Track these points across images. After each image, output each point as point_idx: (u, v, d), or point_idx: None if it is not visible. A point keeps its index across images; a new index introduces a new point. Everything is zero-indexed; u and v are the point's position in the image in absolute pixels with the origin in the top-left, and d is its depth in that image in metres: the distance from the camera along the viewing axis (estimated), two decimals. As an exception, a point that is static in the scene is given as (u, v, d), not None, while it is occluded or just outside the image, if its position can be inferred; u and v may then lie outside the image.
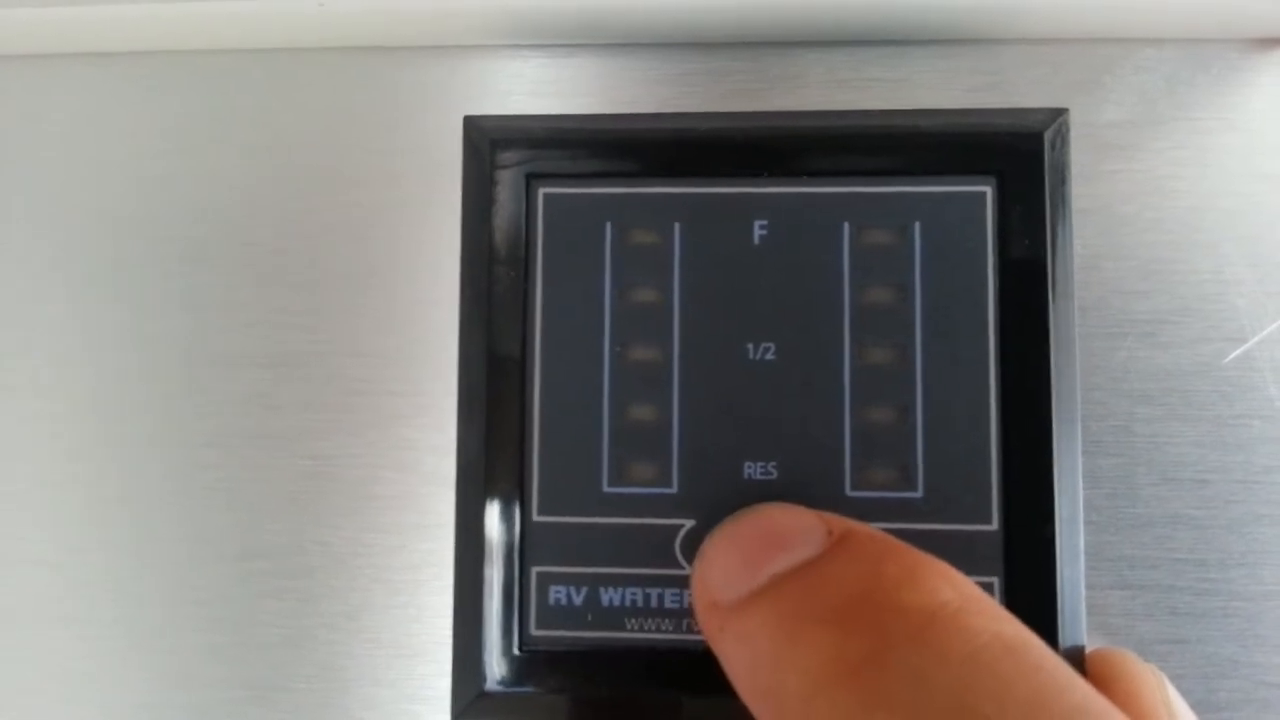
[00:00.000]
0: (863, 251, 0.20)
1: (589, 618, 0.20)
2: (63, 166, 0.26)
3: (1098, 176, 0.24)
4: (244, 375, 0.25)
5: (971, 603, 0.15)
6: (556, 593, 0.20)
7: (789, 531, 0.17)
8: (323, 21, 0.25)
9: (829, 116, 0.22)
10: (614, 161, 0.21)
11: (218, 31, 0.25)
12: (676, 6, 0.23)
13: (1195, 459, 0.23)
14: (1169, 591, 0.23)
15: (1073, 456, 0.19)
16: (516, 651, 0.20)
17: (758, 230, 0.20)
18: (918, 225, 0.20)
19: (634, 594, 0.20)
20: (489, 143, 0.21)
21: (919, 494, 0.20)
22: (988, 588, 0.19)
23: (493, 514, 0.20)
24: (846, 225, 0.20)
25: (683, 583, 0.20)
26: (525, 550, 0.20)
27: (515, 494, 0.20)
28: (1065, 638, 0.19)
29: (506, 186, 0.21)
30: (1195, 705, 0.18)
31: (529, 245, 0.20)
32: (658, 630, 0.20)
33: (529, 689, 0.20)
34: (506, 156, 0.21)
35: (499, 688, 0.20)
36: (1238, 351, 0.24)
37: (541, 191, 0.21)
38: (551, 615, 0.20)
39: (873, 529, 0.17)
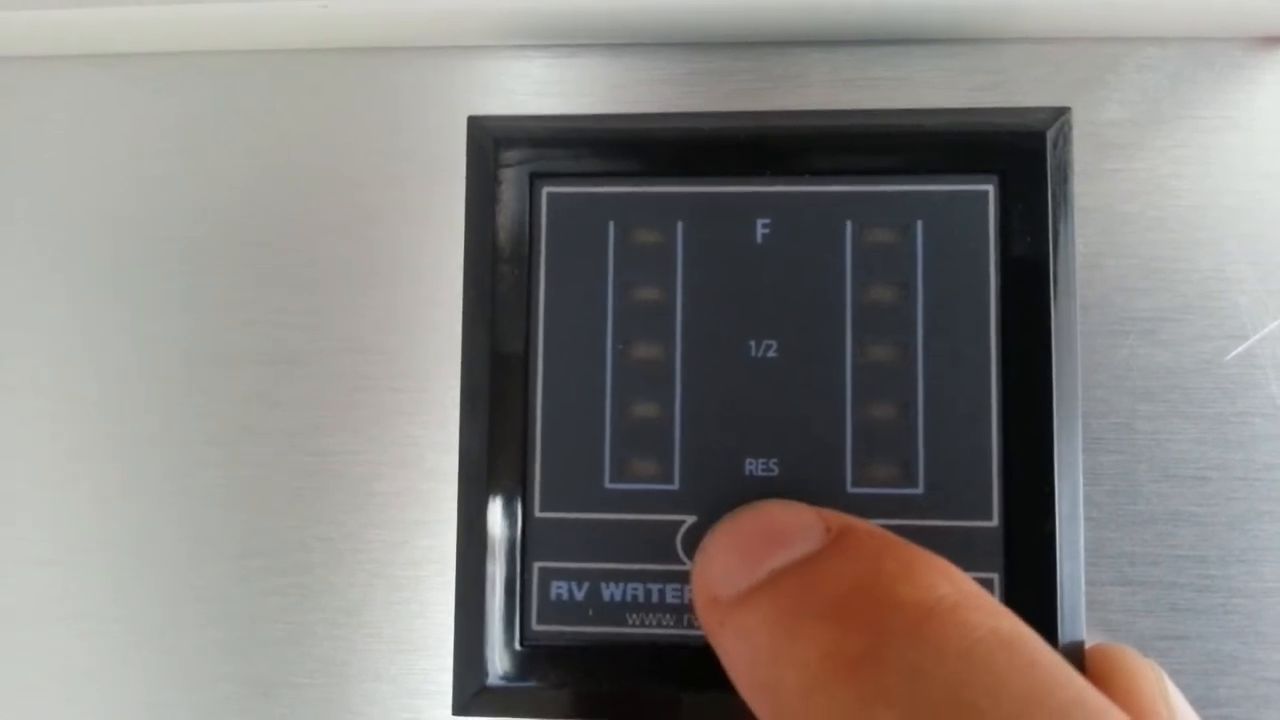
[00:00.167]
0: (865, 250, 0.20)
1: (590, 613, 0.20)
2: (64, 167, 0.26)
3: (1100, 175, 0.24)
4: (245, 373, 0.25)
5: (968, 598, 0.15)
6: (558, 588, 0.20)
7: (788, 528, 0.17)
8: (325, 22, 0.25)
9: (831, 116, 0.22)
10: (617, 161, 0.21)
11: (220, 33, 0.25)
12: (680, 7, 0.24)
13: (1196, 456, 0.23)
14: (1169, 588, 0.23)
15: (1073, 453, 0.19)
16: (518, 646, 0.20)
17: (760, 229, 0.20)
18: (920, 224, 0.20)
19: (635, 589, 0.20)
20: (493, 142, 0.21)
21: (920, 490, 0.20)
22: (988, 584, 0.19)
23: (495, 510, 0.20)
24: (849, 224, 0.20)
25: (684, 578, 0.20)
26: (527, 546, 0.20)
27: (517, 490, 0.20)
28: (1065, 633, 0.19)
29: (510, 186, 0.21)
30: (1195, 702, 0.18)
31: (532, 244, 0.21)
32: (659, 625, 0.20)
33: (530, 684, 0.20)
34: (510, 156, 0.21)
35: (500, 682, 0.20)
36: (1239, 349, 0.24)
37: (545, 191, 0.21)
38: (553, 610, 0.20)
39: (871, 525, 0.17)
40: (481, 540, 0.20)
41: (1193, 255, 0.24)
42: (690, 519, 0.20)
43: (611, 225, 0.20)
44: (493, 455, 0.20)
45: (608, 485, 0.20)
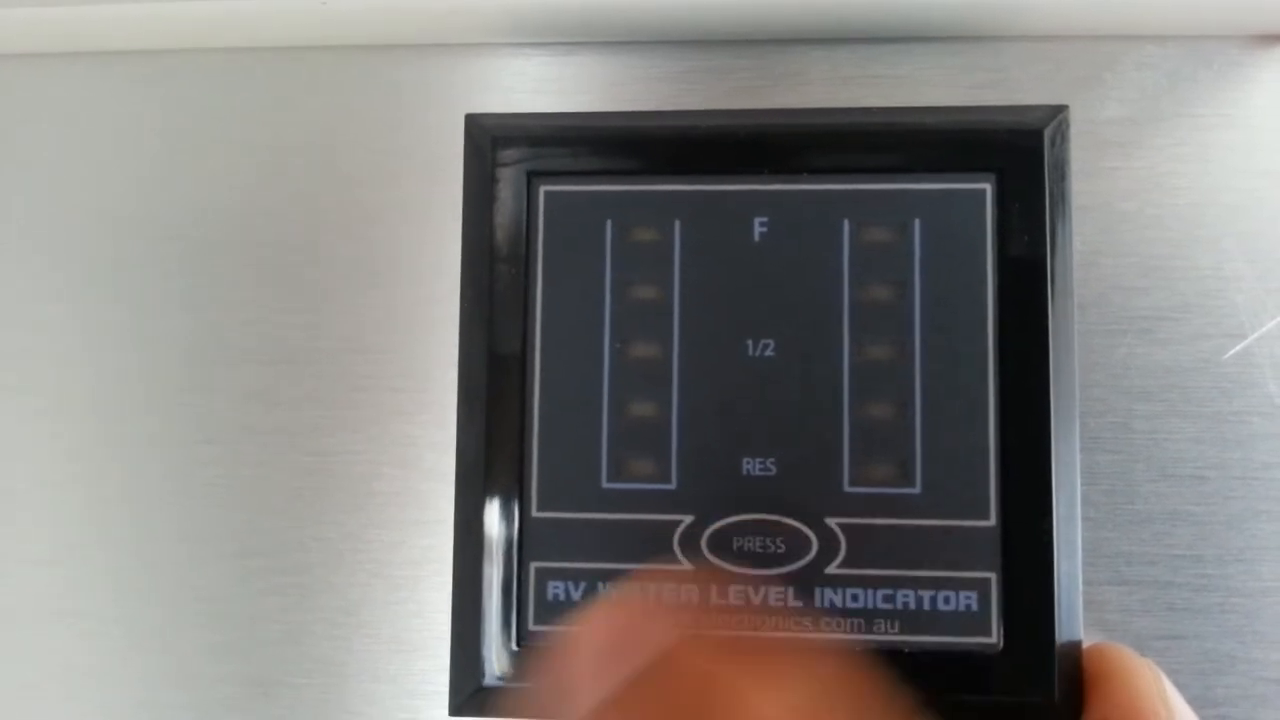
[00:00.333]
0: (862, 248, 0.20)
1: (588, 613, 0.20)
2: (63, 165, 0.26)
3: (1098, 173, 0.24)
4: (245, 372, 0.25)
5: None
6: (555, 588, 0.20)
7: (620, 642, 0.15)
8: (325, 20, 0.25)
9: (829, 114, 0.22)
10: (615, 159, 0.21)
11: (220, 30, 0.25)
12: (679, 4, 0.23)
13: (1194, 455, 0.23)
14: (1167, 587, 0.23)
15: (1071, 452, 0.19)
16: (514, 646, 0.20)
17: (758, 227, 0.20)
18: (917, 222, 0.20)
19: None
20: (490, 140, 0.21)
21: (917, 490, 0.20)
22: (985, 583, 0.19)
23: (492, 509, 0.20)
24: (846, 222, 0.20)
25: (681, 578, 0.20)
26: (524, 545, 0.20)
27: (514, 489, 0.20)
28: (1062, 633, 0.19)
29: (508, 184, 0.21)
30: (1192, 701, 0.18)
31: (530, 242, 0.21)
32: (656, 625, 0.20)
33: (527, 684, 0.20)
34: (508, 154, 0.21)
35: (497, 682, 0.20)
36: (1237, 348, 0.24)
37: (542, 189, 0.21)
38: (550, 610, 0.20)
39: (710, 634, 0.15)
40: (478, 540, 0.20)
41: (1191, 254, 0.24)
42: (688, 518, 0.20)
43: (609, 224, 0.20)
44: (490, 455, 0.20)
45: (605, 485, 0.20)
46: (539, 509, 0.20)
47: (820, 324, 0.20)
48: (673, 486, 0.20)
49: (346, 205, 0.25)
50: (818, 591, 0.19)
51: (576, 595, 0.20)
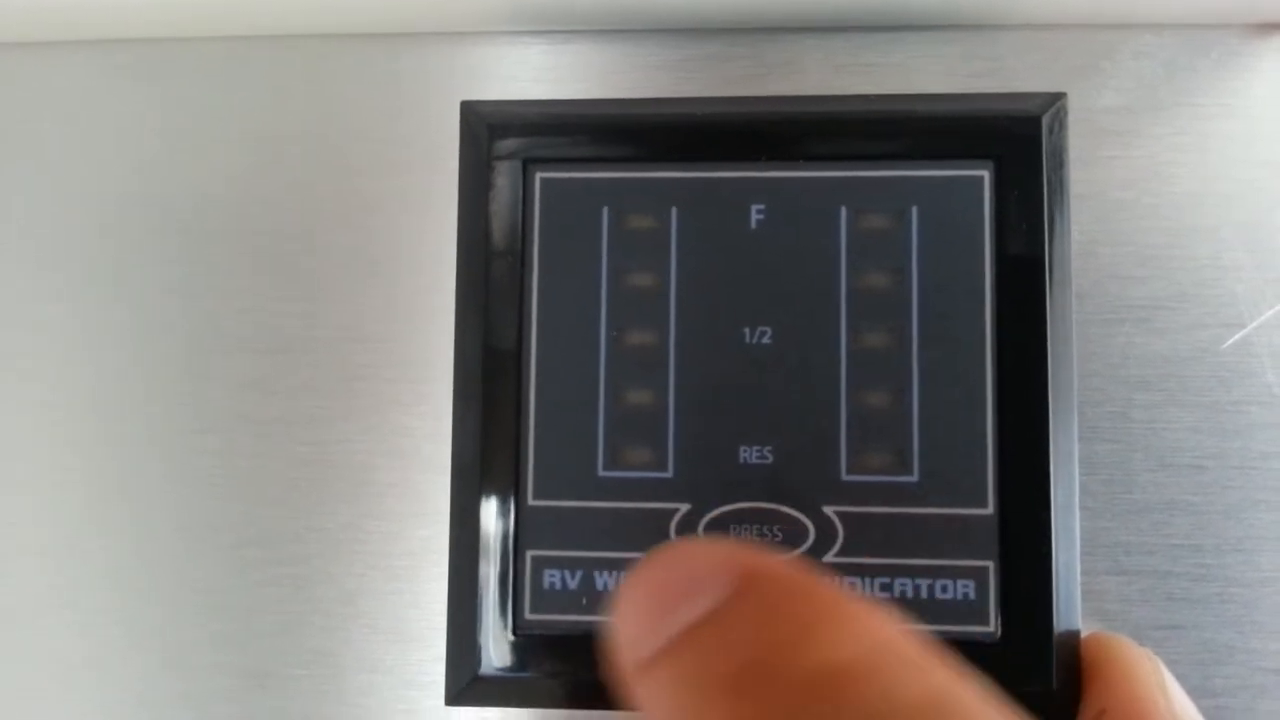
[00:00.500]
0: (860, 236, 0.20)
1: (584, 601, 0.20)
2: (61, 154, 0.26)
3: (1095, 162, 0.24)
4: (242, 362, 0.25)
5: (889, 655, 0.13)
6: (551, 577, 0.20)
7: (693, 576, 0.15)
8: (322, 8, 0.25)
9: (826, 101, 0.22)
10: (611, 146, 0.21)
11: (217, 19, 0.25)
12: (674, -8, 0.23)
13: (1192, 445, 0.23)
14: (1165, 577, 0.23)
15: (1069, 441, 0.19)
16: (511, 636, 0.20)
17: (755, 215, 0.20)
18: (915, 209, 0.20)
19: (629, 578, 0.20)
20: (486, 128, 0.21)
21: (915, 478, 0.19)
22: (983, 572, 0.19)
23: (488, 498, 0.20)
24: (843, 209, 0.20)
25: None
26: (520, 534, 0.20)
27: (510, 478, 0.20)
28: (1061, 622, 0.19)
29: (504, 171, 0.21)
30: (1191, 691, 0.18)
31: (526, 230, 0.20)
32: (653, 614, 0.20)
33: (524, 673, 0.20)
34: (504, 142, 0.21)
35: (494, 672, 0.20)
36: (1235, 337, 0.23)
37: (538, 176, 0.21)
38: (546, 599, 0.20)
39: (782, 567, 0.15)
40: (474, 529, 0.20)
41: (1189, 243, 0.24)
42: (684, 507, 0.20)
43: (605, 211, 0.20)
44: (486, 443, 0.20)
45: (601, 473, 0.20)
46: (535, 497, 0.20)
47: (817, 312, 0.20)
48: (669, 475, 0.20)
49: (343, 194, 0.25)
50: (815, 580, 0.19)
51: (573, 584, 0.20)
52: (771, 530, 0.19)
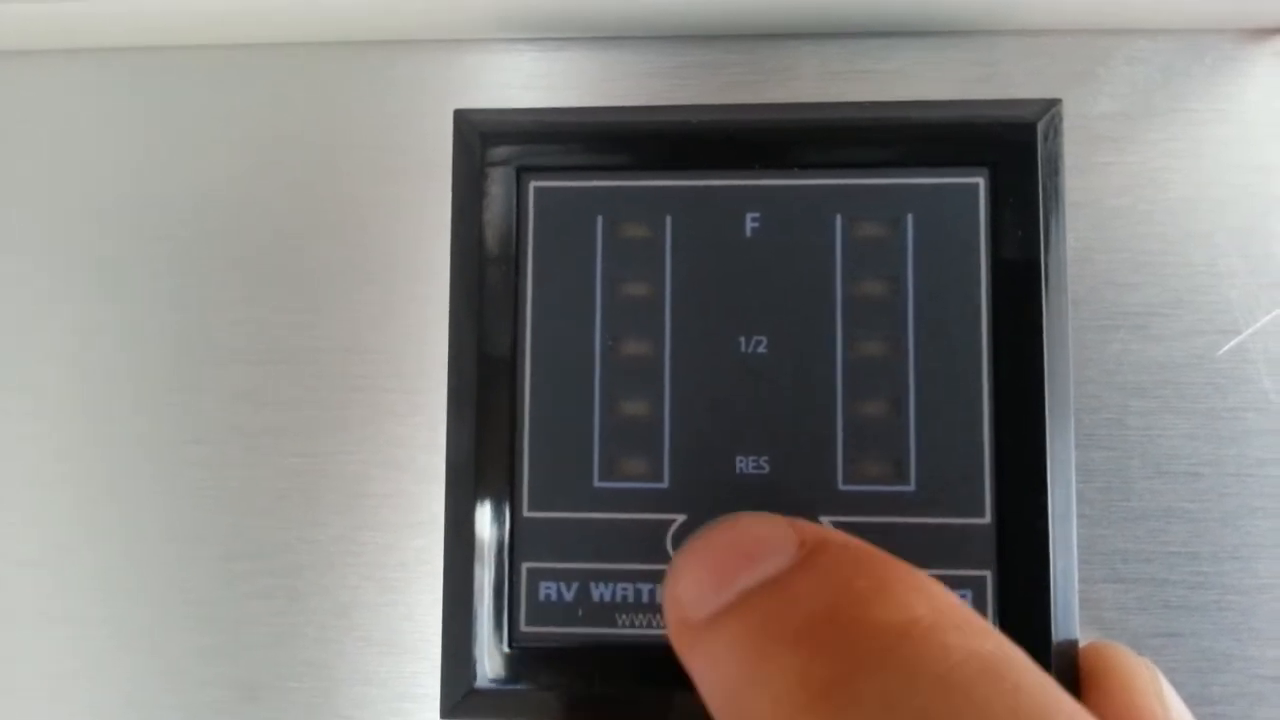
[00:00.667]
0: (855, 243, 0.20)
1: (580, 614, 0.20)
2: (53, 162, 0.26)
3: (1091, 168, 0.24)
4: (234, 372, 0.25)
5: (948, 617, 0.14)
6: (547, 589, 0.20)
7: (759, 543, 0.16)
8: (315, 16, 0.25)
9: (820, 108, 0.22)
10: (605, 155, 0.21)
11: (210, 27, 0.25)
12: (669, 0, 0.23)
13: (1189, 452, 0.23)
14: (1162, 585, 0.23)
15: (1065, 449, 0.19)
16: (506, 648, 0.20)
17: (749, 222, 0.20)
18: (910, 217, 0.20)
19: (625, 589, 0.20)
20: (479, 136, 0.21)
21: (911, 487, 0.19)
22: (980, 581, 0.19)
23: (483, 509, 0.20)
24: (839, 217, 0.20)
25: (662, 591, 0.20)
26: (515, 546, 0.20)
27: (505, 489, 0.20)
28: (1058, 631, 0.19)
29: (497, 180, 0.20)
30: (1189, 699, 0.18)
31: (520, 239, 0.20)
32: (649, 626, 0.20)
33: (519, 686, 0.20)
34: (497, 150, 0.21)
35: (489, 685, 0.20)
36: (1231, 344, 0.23)
37: (532, 185, 0.20)
38: (542, 611, 0.20)
39: (848, 538, 0.16)
40: (469, 541, 0.20)
41: (1184, 249, 0.24)
42: (680, 518, 0.20)
43: (600, 219, 0.20)
44: (480, 454, 0.20)
45: (597, 484, 0.20)
46: (530, 509, 0.20)
47: (813, 320, 0.20)
48: (665, 485, 0.20)
49: (337, 203, 0.25)
50: (812, 590, 0.19)
51: (569, 596, 0.20)
52: (768, 540, 0.19)
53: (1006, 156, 0.20)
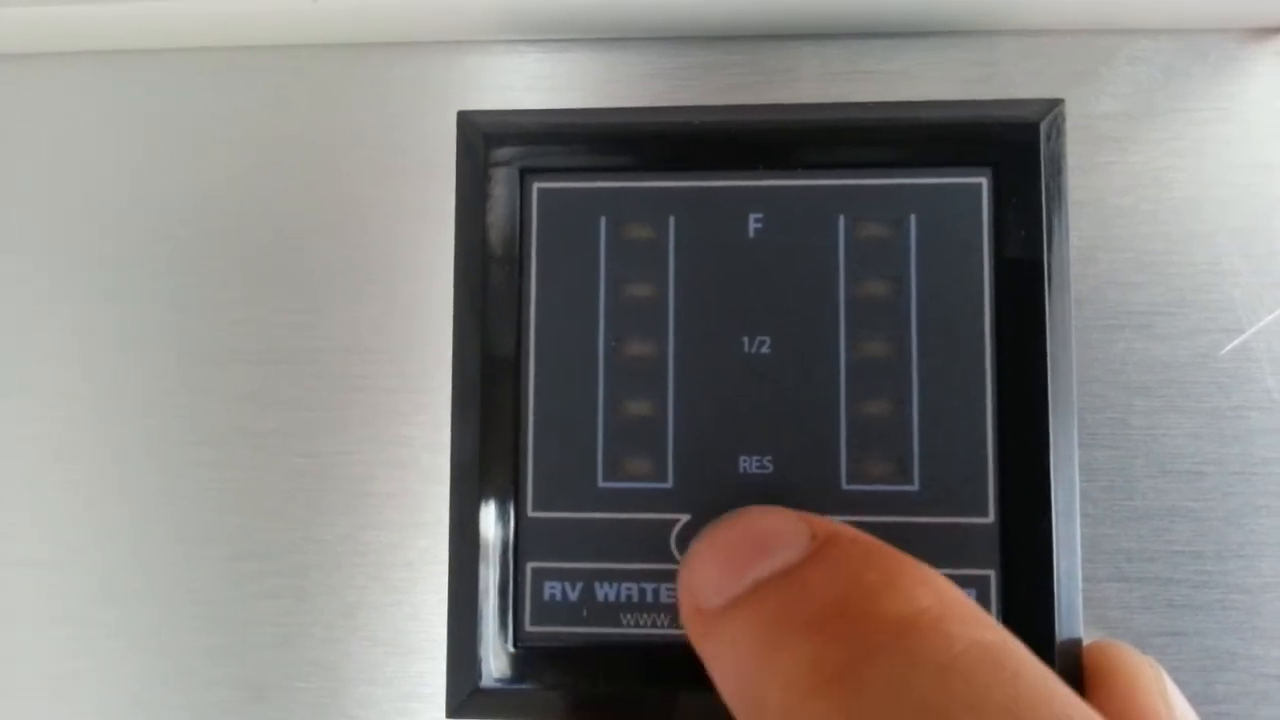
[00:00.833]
0: (858, 244, 0.20)
1: (584, 613, 0.20)
2: (55, 165, 0.26)
3: (1093, 168, 0.24)
4: (238, 373, 0.25)
5: (952, 608, 0.15)
6: (551, 588, 0.20)
7: (773, 535, 0.17)
8: (317, 18, 0.25)
9: (824, 109, 0.22)
10: (608, 156, 0.21)
11: (211, 29, 0.25)
12: (671, 1, 0.23)
13: (1192, 451, 0.23)
14: (1166, 584, 0.23)
15: (1069, 448, 0.19)
16: (512, 648, 0.20)
17: (753, 223, 0.20)
18: (913, 217, 0.20)
19: (629, 589, 0.20)
20: (483, 138, 0.21)
21: (915, 487, 0.19)
22: (984, 580, 0.19)
23: (487, 510, 0.20)
24: (841, 218, 0.20)
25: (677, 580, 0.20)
26: (520, 546, 0.20)
27: (510, 490, 0.20)
28: (1062, 630, 0.19)
29: (501, 181, 0.21)
30: (1193, 698, 0.18)
31: (523, 240, 0.20)
32: (653, 625, 0.20)
33: (525, 685, 0.20)
34: (500, 152, 0.21)
35: (494, 684, 0.20)
36: (1235, 343, 0.23)
37: (536, 186, 0.21)
38: (547, 611, 0.20)
39: (858, 533, 0.17)
40: (474, 541, 0.20)
41: (1187, 249, 0.24)
42: (684, 517, 0.20)
43: (603, 220, 0.20)
44: (484, 454, 0.20)
45: (601, 484, 0.20)
46: (534, 509, 0.20)
47: (816, 320, 0.20)
48: (669, 485, 0.20)
49: (340, 204, 0.25)
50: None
51: (573, 596, 0.20)
52: (772, 540, 0.19)
53: (1009, 156, 0.20)
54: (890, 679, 0.14)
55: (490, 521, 0.20)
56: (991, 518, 0.19)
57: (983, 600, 0.19)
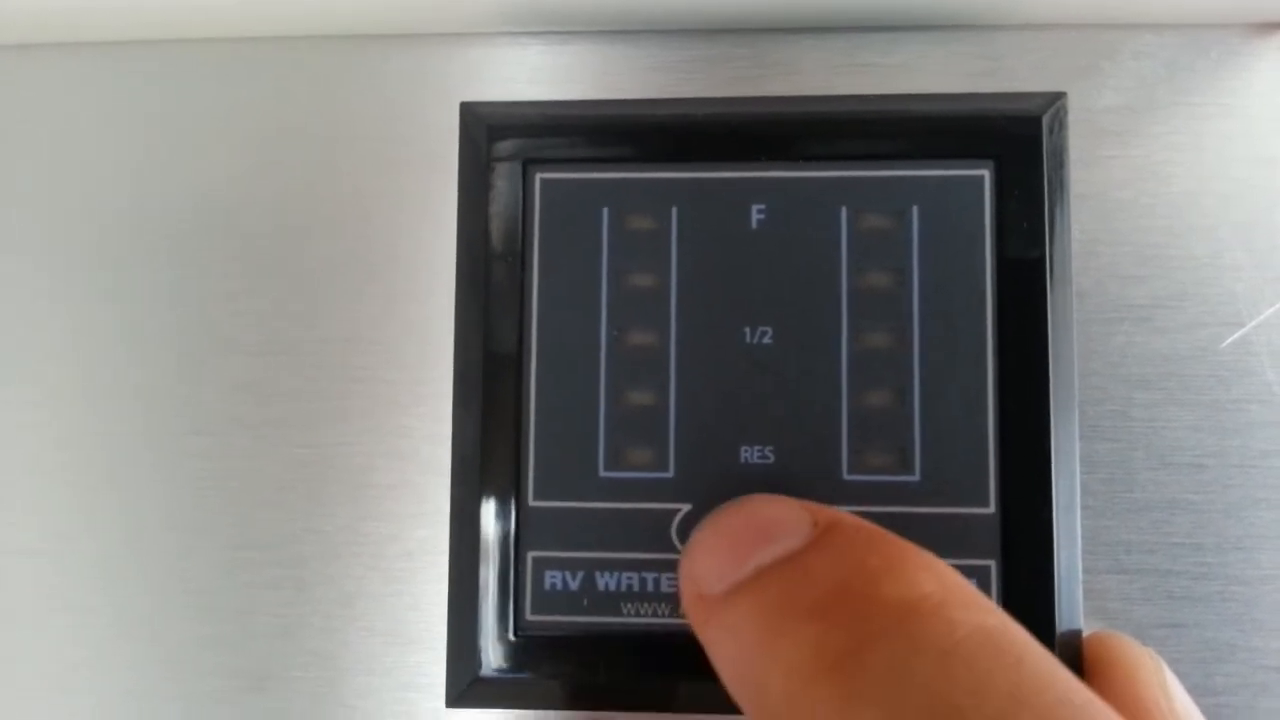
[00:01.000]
0: (860, 235, 0.20)
1: (585, 603, 0.20)
2: (53, 156, 0.26)
3: (1095, 162, 0.24)
4: (238, 363, 0.25)
5: (955, 594, 0.15)
6: (552, 578, 0.20)
7: (775, 522, 0.17)
8: (318, 9, 0.25)
9: (826, 101, 0.22)
10: (611, 147, 0.21)
11: (212, 20, 0.25)
12: (673, -7, 0.23)
13: (1193, 443, 0.23)
14: (1166, 576, 0.23)
15: (1070, 440, 0.19)
16: (512, 637, 0.20)
17: (755, 214, 0.20)
18: (915, 209, 0.20)
19: (630, 579, 0.20)
20: (485, 129, 0.21)
21: (916, 478, 0.19)
22: (985, 571, 0.19)
23: (488, 499, 0.20)
24: (844, 209, 0.20)
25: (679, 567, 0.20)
26: (521, 535, 0.20)
27: (511, 479, 0.20)
28: (1062, 622, 0.19)
29: (503, 172, 0.21)
30: (1193, 690, 0.18)
31: (526, 231, 0.20)
32: (654, 615, 0.20)
33: (525, 674, 0.20)
34: (503, 143, 0.21)
35: (494, 673, 0.20)
36: (1235, 336, 0.24)
37: (538, 177, 0.21)
38: (547, 600, 0.20)
39: (860, 520, 0.17)
40: (474, 530, 0.20)
41: (1188, 242, 0.24)
42: (685, 507, 0.20)
43: (605, 211, 0.20)
44: (486, 444, 0.20)
45: (602, 474, 0.20)
46: (536, 498, 0.20)
47: (818, 311, 0.20)
48: (671, 475, 0.20)
49: (341, 195, 0.25)
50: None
51: (574, 585, 0.20)
52: (773, 530, 0.19)
53: (1011, 149, 0.20)
54: (893, 664, 0.14)
55: (491, 511, 0.20)
56: (992, 508, 0.19)
57: (983, 590, 0.19)
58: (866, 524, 0.17)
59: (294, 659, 0.24)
